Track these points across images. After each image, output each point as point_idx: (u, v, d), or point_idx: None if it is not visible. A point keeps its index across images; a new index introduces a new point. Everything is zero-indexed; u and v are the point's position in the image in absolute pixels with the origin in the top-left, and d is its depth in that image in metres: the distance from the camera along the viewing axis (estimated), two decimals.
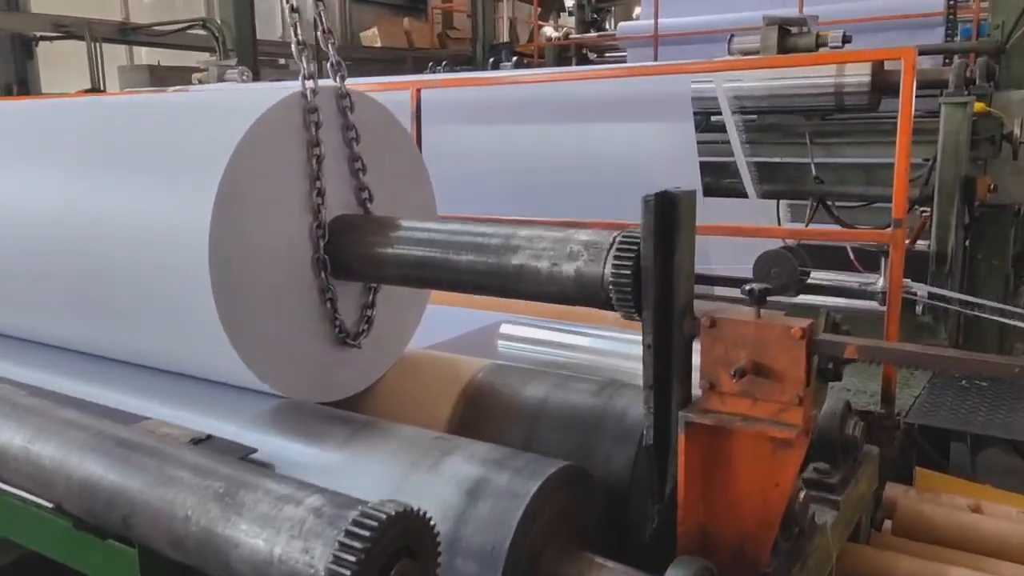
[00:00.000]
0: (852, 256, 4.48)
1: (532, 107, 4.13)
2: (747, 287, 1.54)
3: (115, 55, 9.17)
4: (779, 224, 4.12)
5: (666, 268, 1.56)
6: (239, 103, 2.00)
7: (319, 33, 2.08)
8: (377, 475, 1.62)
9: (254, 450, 1.70)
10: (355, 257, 1.95)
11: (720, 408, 1.56)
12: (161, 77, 7.75)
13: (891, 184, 3.75)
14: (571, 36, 11.88)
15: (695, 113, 4.00)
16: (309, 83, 1.93)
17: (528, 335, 2.70)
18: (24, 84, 8.44)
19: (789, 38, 4.01)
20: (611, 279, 1.58)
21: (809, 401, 1.50)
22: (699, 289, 3.90)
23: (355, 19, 12.41)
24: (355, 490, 1.58)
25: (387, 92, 3.48)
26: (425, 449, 1.66)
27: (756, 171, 4.03)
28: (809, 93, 3.61)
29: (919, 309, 3.54)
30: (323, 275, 1.95)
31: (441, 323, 3.04)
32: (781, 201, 4.29)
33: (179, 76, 7.33)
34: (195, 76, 6.13)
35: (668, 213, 1.54)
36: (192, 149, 1.88)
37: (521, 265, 1.70)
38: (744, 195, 3.96)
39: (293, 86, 1.92)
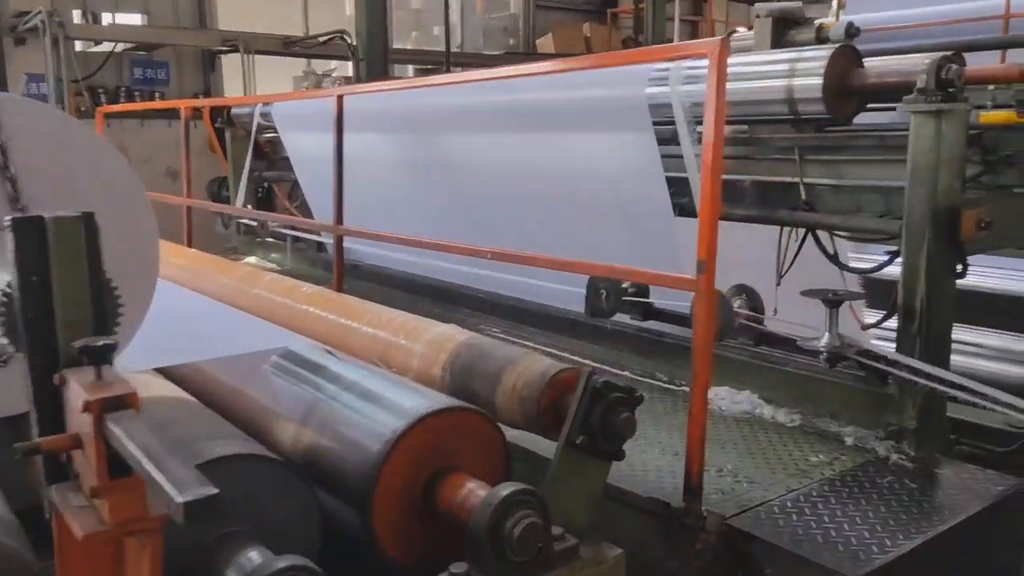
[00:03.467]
0: None
1: (485, 115, 3.81)
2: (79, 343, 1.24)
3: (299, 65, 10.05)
4: (779, 257, 3.40)
5: (43, 308, 1.30)
6: None
7: None
8: None
9: None
10: None
11: None
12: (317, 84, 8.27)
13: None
14: None
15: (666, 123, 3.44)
16: None
17: (303, 364, 2.44)
18: (208, 93, 9.50)
19: (788, 32, 3.30)
20: None
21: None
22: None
23: (537, 25, 12.41)
24: None
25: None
26: None
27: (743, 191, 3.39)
28: (761, 100, 2.91)
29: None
30: None
31: (247, 338, 2.89)
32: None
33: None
34: (303, 84, 6.47)
35: (36, 243, 1.28)
36: None
37: None
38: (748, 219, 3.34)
39: None
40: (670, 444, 2.65)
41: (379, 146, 4.67)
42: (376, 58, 7.57)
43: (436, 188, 4.29)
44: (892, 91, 2.59)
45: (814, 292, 2.75)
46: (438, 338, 2.53)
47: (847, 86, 2.73)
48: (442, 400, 2.03)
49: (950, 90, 2.47)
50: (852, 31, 3.06)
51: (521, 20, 12.34)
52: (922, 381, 2.52)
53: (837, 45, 2.79)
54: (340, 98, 3.48)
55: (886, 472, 2.42)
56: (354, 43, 7.84)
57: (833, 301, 2.69)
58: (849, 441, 2.64)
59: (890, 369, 2.56)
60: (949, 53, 2.49)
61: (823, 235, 3.19)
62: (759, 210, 3.22)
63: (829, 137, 3.00)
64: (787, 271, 3.28)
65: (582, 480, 2.03)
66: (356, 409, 2.11)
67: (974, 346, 4.10)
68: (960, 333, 4.11)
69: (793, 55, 2.85)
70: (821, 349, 2.72)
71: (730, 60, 3.26)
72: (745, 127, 3.39)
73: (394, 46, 10.95)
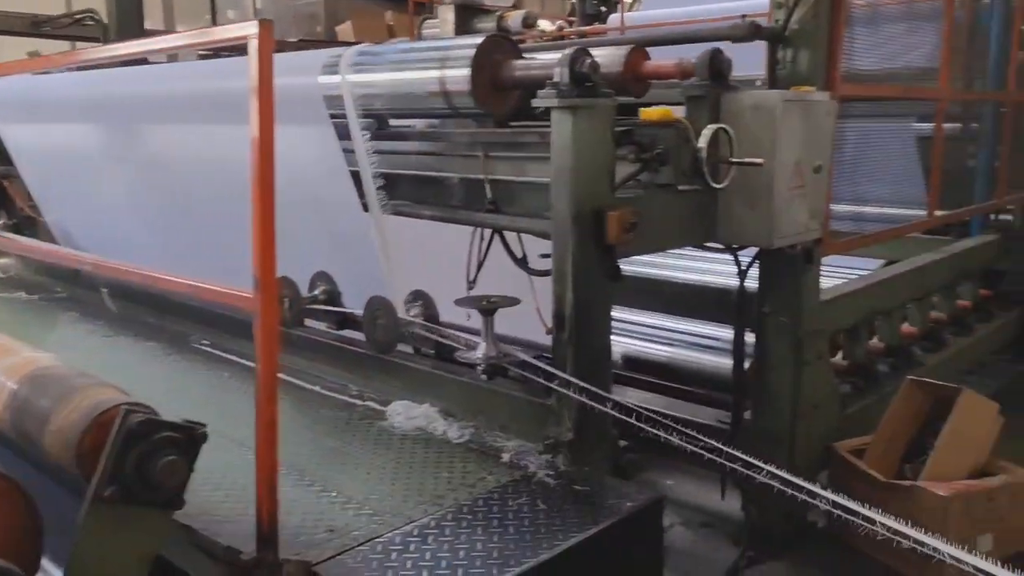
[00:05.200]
0: None
1: (175, 105, 3.45)
2: None
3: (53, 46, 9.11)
4: (469, 259, 3.20)
5: None
6: None
7: None
8: None
9: None
10: None
11: None
12: None
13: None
14: (565, 29, 10.92)
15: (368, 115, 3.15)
16: None
17: None
18: None
19: (472, 21, 3.13)
20: None
21: None
22: None
23: (339, 11, 11.96)
24: None
25: None
26: None
27: (431, 189, 3.17)
28: (419, 92, 2.71)
29: None
30: None
31: None
32: None
33: None
34: None
35: None
36: None
37: None
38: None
39: None
40: (307, 470, 2.40)
41: (85, 137, 4.19)
42: (131, 40, 6.91)
43: (132, 183, 3.88)
44: (538, 85, 2.43)
45: (467, 300, 2.57)
46: (15, 366, 2.14)
47: (499, 79, 2.55)
48: None
49: (587, 84, 2.33)
50: (529, 22, 2.91)
51: (323, 6, 11.84)
52: (573, 395, 2.39)
53: (487, 35, 2.61)
54: None
55: (522, 493, 2.26)
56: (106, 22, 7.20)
57: (487, 309, 2.52)
58: (506, 458, 2.48)
59: (541, 380, 2.41)
60: (584, 47, 2.36)
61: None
62: (444, 210, 3.02)
63: (506, 133, 2.83)
64: (477, 274, 3.11)
65: (129, 538, 1.73)
66: None
67: (697, 336, 4.13)
68: (677, 323, 4.15)
69: (447, 44, 2.66)
70: (477, 361, 2.54)
71: (388, 47, 3.08)
72: (437, 121, 3.20)
73: (179, 30, 10.20)
